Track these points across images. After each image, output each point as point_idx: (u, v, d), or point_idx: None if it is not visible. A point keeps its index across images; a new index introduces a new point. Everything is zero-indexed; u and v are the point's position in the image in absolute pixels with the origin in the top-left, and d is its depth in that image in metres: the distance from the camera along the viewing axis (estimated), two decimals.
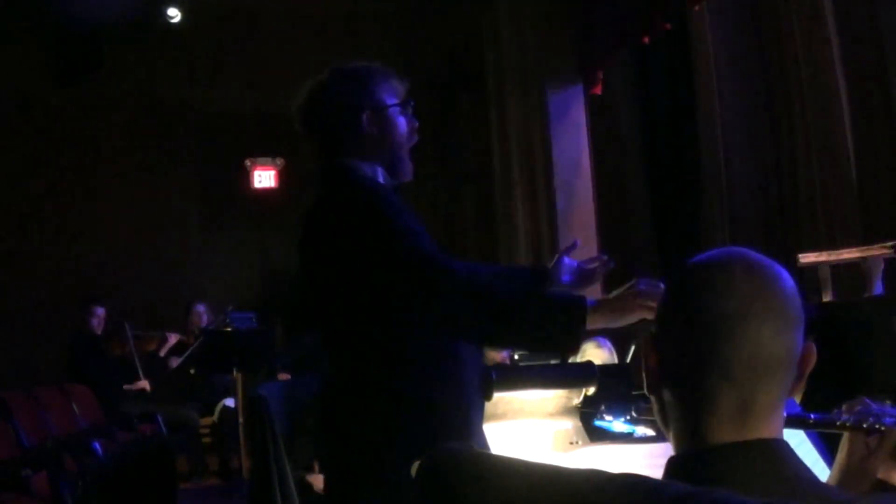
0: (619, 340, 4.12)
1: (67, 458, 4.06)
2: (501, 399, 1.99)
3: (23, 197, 7.37)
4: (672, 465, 0.99)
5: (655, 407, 1.03)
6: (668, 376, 1.00)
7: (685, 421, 0.98)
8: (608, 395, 2.32)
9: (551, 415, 2.05)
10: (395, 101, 1.93)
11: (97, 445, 4.30)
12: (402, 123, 1.93)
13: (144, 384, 6.15)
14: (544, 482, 0.92)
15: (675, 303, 1.01)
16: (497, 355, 3.10)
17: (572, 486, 0.89)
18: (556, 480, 0.92)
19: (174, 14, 7.30)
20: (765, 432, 0.96)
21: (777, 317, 0.95)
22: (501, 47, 6.38)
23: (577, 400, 2.09)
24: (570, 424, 2.05)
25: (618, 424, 2.40)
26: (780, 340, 0.95)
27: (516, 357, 3.60)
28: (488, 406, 1.96)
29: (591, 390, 2.08)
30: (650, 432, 2.26)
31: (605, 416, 2.45)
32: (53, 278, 7.23)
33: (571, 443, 1.99)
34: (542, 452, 1.96)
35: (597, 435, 2.17)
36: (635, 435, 2.30)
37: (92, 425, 5.29)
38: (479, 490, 0.97)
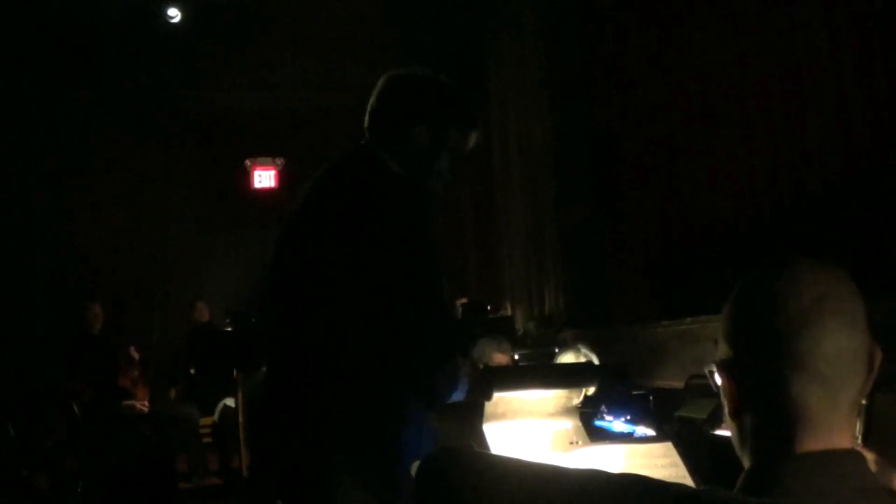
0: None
1: (67, 458, 4.06)
2: (501, 399, 1.98)
3: (22, 197, 7.36)
4: (752, 475, 0.97)
5: (735, 432, 1.02)
6: (752, 391, 0.98)
7: (772, 431, 0.96)
8: (608, 395, 2.32)
9: (551, 415, 2.05)
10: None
11: (97, 445, 4.30)
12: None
13: (143, 407, 6.01)
14: (544, 482, 0.92)
15: (748, 312, 0.99)
16: (499, 357, 3.09)
17: (572, 486, 0.89)
18: (556, 480, 0.92)
19: (174, 14, 7.31)
20: (846, 441, 0.95)
21: (848, 312, 0.95)
22: (502, 48, 6.39)
23: (577, 400, 2.08)
24: (570, 424, 2.04)
25: (618, 424, 2.40)
26: (855, 335, 0.95)
27: (516, 357, 3.59)
28: (488, 406, 1.96)
29: (591, 390, 2.08)
30: (650, 432, 2.26)
31: (605, 416, 2.45)
32: (53, 278, 7.23)
33: (571, 443, 1.99)
34: (542, 452, 1.96)
35: (597, 435, 2.17)
36: (635, 435, 2.29)
37: (92, 425, 5.29)
38: (479, 490, 0.97)
